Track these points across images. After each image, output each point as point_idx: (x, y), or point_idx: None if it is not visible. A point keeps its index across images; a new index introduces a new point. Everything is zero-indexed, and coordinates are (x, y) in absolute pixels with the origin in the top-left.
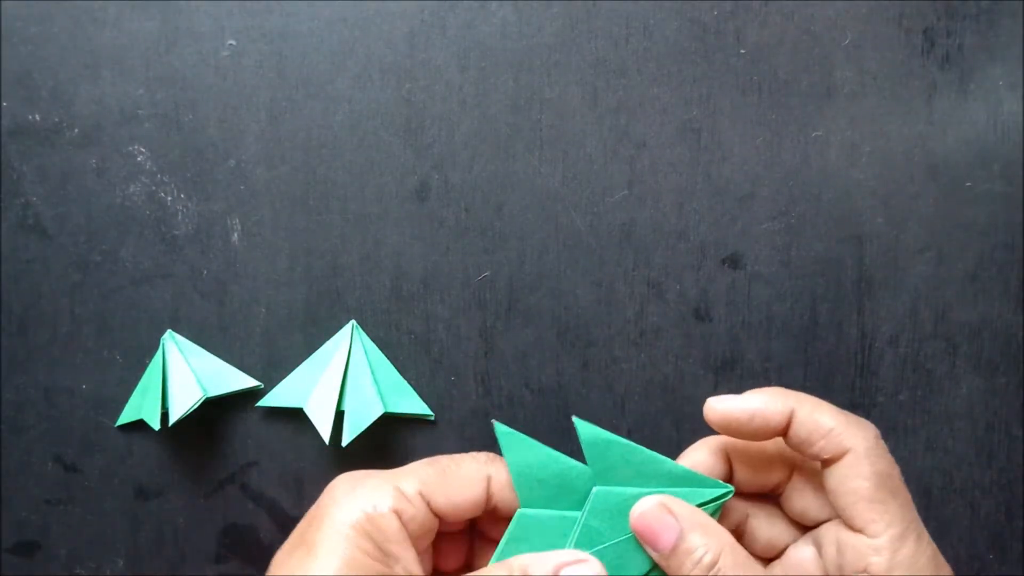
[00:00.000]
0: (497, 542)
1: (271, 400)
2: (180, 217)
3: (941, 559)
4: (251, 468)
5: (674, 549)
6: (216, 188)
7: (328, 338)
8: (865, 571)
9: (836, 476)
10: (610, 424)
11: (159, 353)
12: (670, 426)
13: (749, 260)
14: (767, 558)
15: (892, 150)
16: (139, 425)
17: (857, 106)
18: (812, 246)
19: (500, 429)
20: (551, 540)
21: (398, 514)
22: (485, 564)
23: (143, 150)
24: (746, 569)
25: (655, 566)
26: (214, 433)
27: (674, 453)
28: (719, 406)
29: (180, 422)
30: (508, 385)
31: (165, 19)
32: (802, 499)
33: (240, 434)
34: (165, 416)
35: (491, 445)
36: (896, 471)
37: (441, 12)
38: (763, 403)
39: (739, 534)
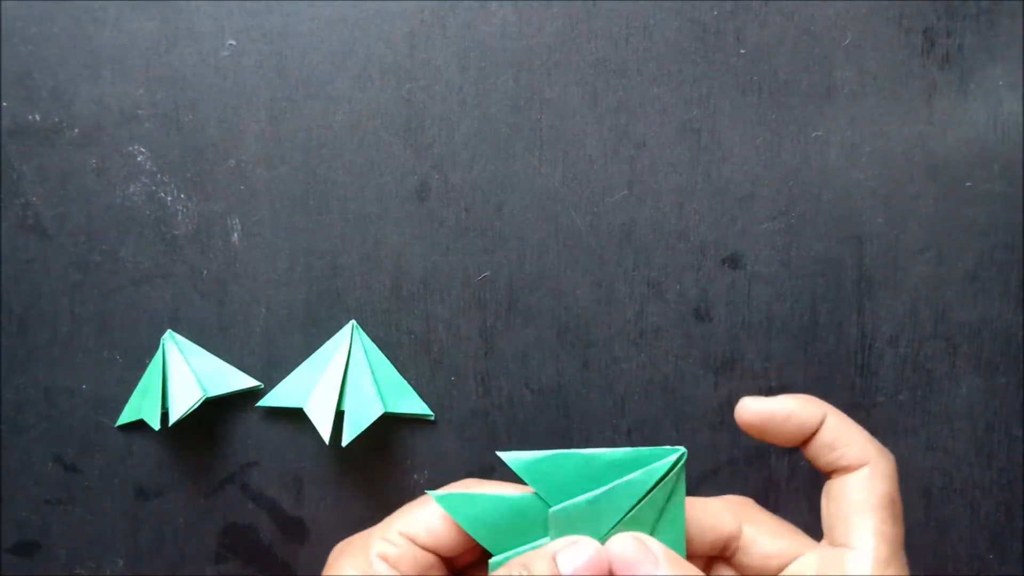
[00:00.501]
0: None
1: (271, 400)
2: (180, 217)
3: None
4: (251, 468)
5: None
6: (216, 188)
7: (328, 338)
8: None
9: (845, 485)
10: (610, 424)
11: (159, 353)
12: (670, 426)
13: (749, 260)
14: None
15: (892, 150)
16: (139, 425)
17: (857, 106)
18: (812, 246)
19: (436, 496)
20: None
21: (384, 559)
22: None
23: (143, 150)
24: None
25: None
26: (214, 433)
27: None
28: (754, 406)
29: (180, 422)
30: (508, 385)
31: (165, 19)
32: (760, 547)
33: (240, 434)
34: (165, 416)
35: (491, 446)
36: (900, 505)
37: (441, 12)
38: (799, 406)
39: None
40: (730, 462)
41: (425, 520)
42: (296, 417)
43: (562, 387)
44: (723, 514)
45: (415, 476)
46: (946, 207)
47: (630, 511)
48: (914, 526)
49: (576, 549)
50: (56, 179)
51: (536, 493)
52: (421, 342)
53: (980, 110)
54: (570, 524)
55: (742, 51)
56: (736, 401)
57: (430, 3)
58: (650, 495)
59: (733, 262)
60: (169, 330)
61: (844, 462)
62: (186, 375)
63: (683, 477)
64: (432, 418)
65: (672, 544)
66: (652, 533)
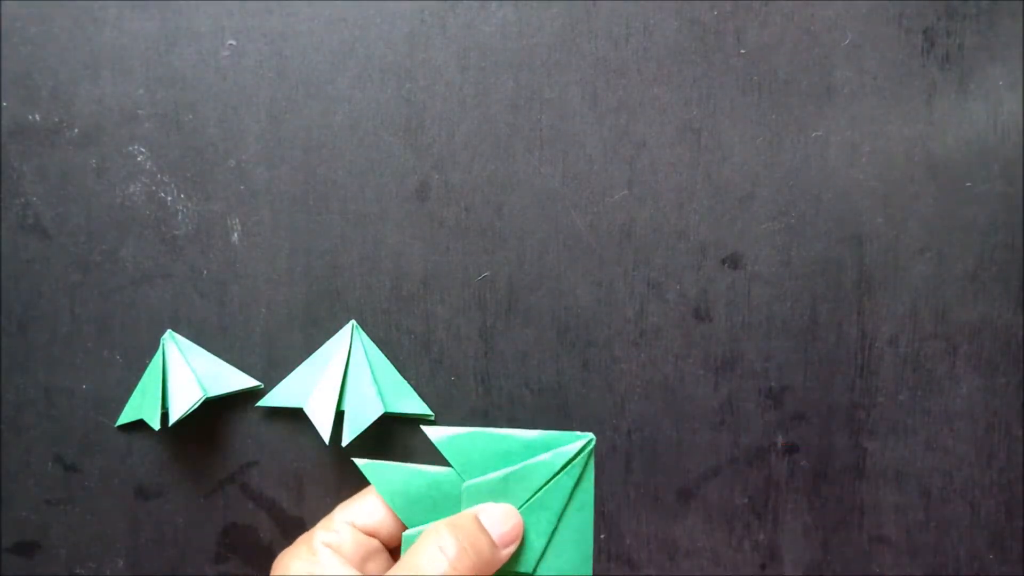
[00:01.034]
0: None
1: (271, 400)
2: (180, 217)
3: None
4: (251, 468)
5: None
6: (216, 188)
7: (328, 338)
8: None
9: None
10: (610, 424)
11: (159, 353)
12: (670, 426)
13: (749, 260)
14: None
15: (892, 150)
16: (139, 425)
17: (857, 106)
18: (812, 246)
19: (360, 463)
20: None
21: (329, 546)
22: None
23: (143, 150)
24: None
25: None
26: (214, 433)
27: (674, 452)
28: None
29: (180, 422)
30: (508, 385)
31: (165, 19)
32: None
33: (240, 434)
34: (165, 416)
35: None
36: None
37: (441, 12)
38: None
39: None
40: (730, 462)
41: (365, 506)
42: (296, 417)
43: (562, 387)
44: None
45: None
46: (946, 207)
47: (539, 490)
48: (914, 526)
49: (496, 508)
50: (56, 179)
51: (453, 470)
52: (421, 342)
53: (980, 110)
54: (482, 499)
55: (742, 51)
56: (736, 401)
57: (430, 3)
58: (557, 477)
59: (733, 262)
60: (169, 330)
61: None
62: (186, 375)
63: (592, 464)
64: (432, 418)
65: (581, 528)
66: (561, 515)
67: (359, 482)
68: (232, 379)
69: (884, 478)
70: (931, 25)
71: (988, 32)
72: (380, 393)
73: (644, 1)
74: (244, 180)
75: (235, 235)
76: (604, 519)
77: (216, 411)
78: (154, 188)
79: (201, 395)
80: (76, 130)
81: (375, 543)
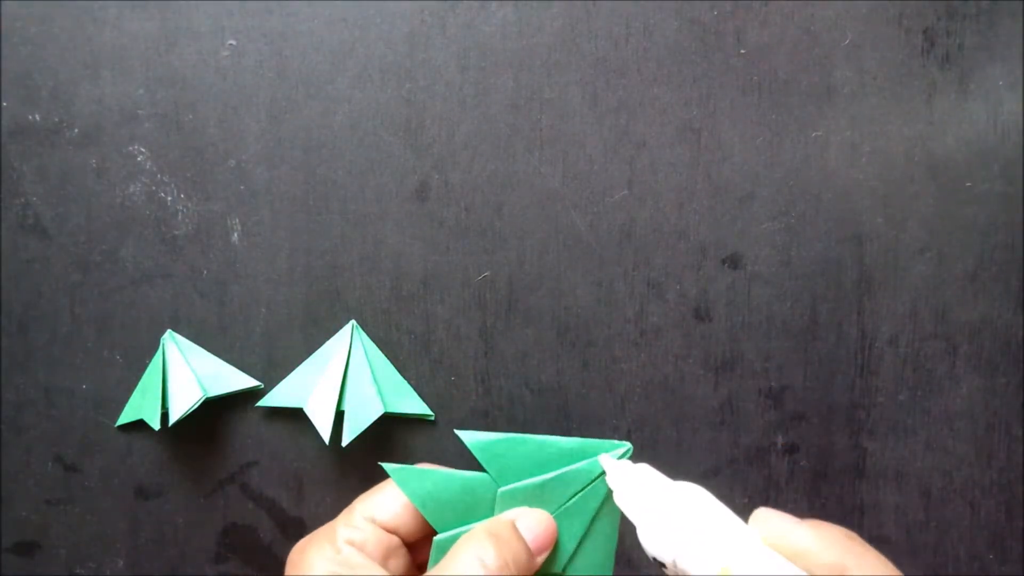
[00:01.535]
0: None
1: (271, 400)
2: (180, 217)
3: None
4: (251, 468)
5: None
6: (216, 188)
7: (328, 338)
8: None
9: None
10: (610, 424)
11: (159, 353)
12: (670, 426)
13: (749, 260)
14: None
15: (892, 150)
16: (139, 425)
17: (857, 106)
18: (812, 246)
19: (389, 468)
20: None
21: (352, 544)
22: None
23: (143, 150)
24: None
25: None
26: (214, 433)
27: (674, 452)
28: (767, 520)
29: (180, 422)
30: (508, 385)
31: (165, 19)
32: None
33: (240, 434)
34: (165, 416)
35: None
36: None
37: (441, 12)
38: (812, 543)
39: None
40: (730, 462)
41: (385, 501)
42: (296, 417)
43: (562, 387)
44: (825, 550)
45: None
46: (946, 207)
47: (572, 497)
48: (914, 526)
49: (532, 515)
50: (56, 179)
51: (487, 473)
52: (421, 342)
53: (980, 110)
54: (517, 504)
55: (742, 51)
56: (736, 401)
57: (430, 3)
58: (593, 484)
59: (733, 262)
60: (169, 330)
61: None
62: (186, 375)
63: None
64: (432, 418)
65: (609, 532)
66: (591, 522)
67: (359, 482)
68: (232, 379)
69: (884, 478)
70: (931, 25)
71: (988, 32)
72: (380, 393)
73: (644, 1)
74: (244, 180)
75: (235, 235)
76: None
77: (216, 411)
78: (154, 188)
79: (201, 395)
80: (76, 130)
81: (395, 540)
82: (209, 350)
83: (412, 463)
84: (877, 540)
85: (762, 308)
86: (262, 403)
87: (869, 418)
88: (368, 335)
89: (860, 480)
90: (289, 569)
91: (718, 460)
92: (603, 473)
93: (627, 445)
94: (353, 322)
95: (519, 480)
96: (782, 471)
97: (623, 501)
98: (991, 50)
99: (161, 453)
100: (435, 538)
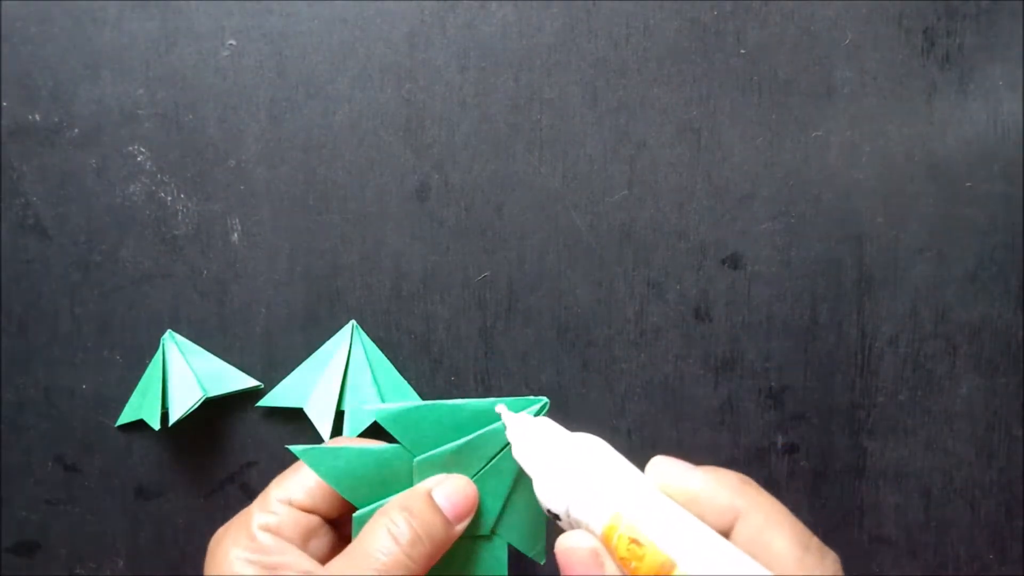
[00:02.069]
0: None
1: (271, 400)
2: (180, 217)
3: None
4: (251, 468)
5: None
6: (216, 188)
7: (328, 338)
8: None
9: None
10: (610, 424)
11: (159, 353)
12: (670, 426)
13: (749, 260)
14: None
15: (892, 150)
16: (139, 425)
17: (857, 106)
18: (812, 246)
19: (297, 450)
20: None
21: (268, 529)
22: None
23: (143, 150)
24: None
25: (480, 469)
26: (214, 433)
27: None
28: (662, 467)
29: (180, 422)
30: (508, 385)
31: (165, 19)
32: (760, 544)
33: (240, 434)
34: (165, 416)
35: None
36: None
37: (441, 12)
38: (705, 488)
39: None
40: (730, 462)
41: (301, 482)
42: (296, 417)
43: (562, 387)
44: (718, 494)
45: None
46: (946, 207)
47: (493, 457)
48: (914, 526)
49: (449, 483)
50: (56, 179)
51: (401, 445)
52: (421, 342)
53: (980, 110)
54: (435, 472)
55: (742, 51)
56: (736, 401)
57: (430, 3)
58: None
59: (733, 262)
60: (169, 330)
61: None
62: (186, 375)
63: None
64: None
65: (531, 495)
66: (515, 480)
67: None
68: (232, 379)
69: (884, 478)
70: (931, 25)
71: (988, 32)
72: (380, 393)
73: (644, 1)
74: (244, 180)
75: (235, 235)
76: None
77: (216, 411)
78: (154, 188)
79: (201, 395)
80: (76, 130)
81: (315, 520)
82: (209, 350)
83: (353, 443)
84: (877, 540)
85: (762, 308)
86: (262, 403)
87: (869, 418)
88: (368, 335)
89: (860, 480)
90: (207, 560)
91: (718, 460)
92: None
93: (543, 399)
94: (353, 322)
95: (434, 448)
96: (782, 471)
97: (520, 454)
98: (991, 50)
99: (161, 453)
100: (354, 514)
